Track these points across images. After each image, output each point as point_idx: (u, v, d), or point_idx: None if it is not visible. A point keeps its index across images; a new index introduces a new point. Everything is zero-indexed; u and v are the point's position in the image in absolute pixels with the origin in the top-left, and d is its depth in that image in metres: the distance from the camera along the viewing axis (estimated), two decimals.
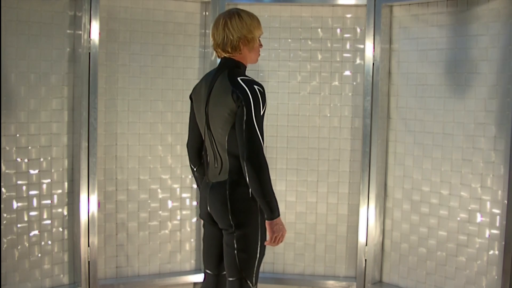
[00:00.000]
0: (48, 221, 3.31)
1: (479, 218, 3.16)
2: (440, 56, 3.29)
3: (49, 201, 3.32)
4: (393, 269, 3.57)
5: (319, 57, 3.63)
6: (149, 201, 3.60)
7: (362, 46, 3.54)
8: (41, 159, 3.28)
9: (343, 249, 3.68)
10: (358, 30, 3.58)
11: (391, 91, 3.52)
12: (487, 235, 3.13)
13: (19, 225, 3.21)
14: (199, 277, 3.64)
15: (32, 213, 3.26)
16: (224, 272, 2.57)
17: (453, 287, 3.28)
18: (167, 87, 3.59)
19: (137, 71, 3.52)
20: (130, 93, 3.51)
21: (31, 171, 3.25)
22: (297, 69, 3.65)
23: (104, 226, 3.49)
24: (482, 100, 3.14)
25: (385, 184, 3.57)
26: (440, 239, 3.33)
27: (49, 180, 3.31)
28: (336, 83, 3.63)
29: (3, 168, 3.14)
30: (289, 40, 3.64)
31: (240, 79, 2.36)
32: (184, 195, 3.68)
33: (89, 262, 3.36)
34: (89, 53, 3.27)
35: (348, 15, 3.58)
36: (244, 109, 2.30)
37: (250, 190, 2.38)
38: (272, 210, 2.35)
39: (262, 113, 2.34)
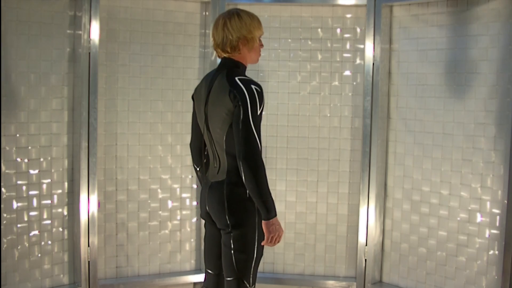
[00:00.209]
0: (48, 221, 3.31)
1: (479, 218, 3.16)
2: (440, 56, 3.29)
3: (49, 201, 3.32)
4: (393, 269, 3.57)
5: (319, 57, 3.63)
6: (149, 201, 3.60)
7: (362, 46, 3.54)
8: (41, 159, 3.28)
9: (343, 249, 3.68)
10: (358, 30, 3.58)
11: (391, 91, 3.52)
12: (487, 235, 3.13)
13: (19, 225, 3.21)
14: (199, 277, 3.64)
15: (32, 213, 3.26)
16: None
17: (453, 287, 3.28)
18: (167, 87, 3.59)
19: (137, 71, 3.52)
20: (130, 93, 3.51)
21: (31, 171, 3.25)
22: (297, 69, 3.65)
23: (104, 226, 3.49)
24: (482, 100, 3.14)
25: (385, 184, 3.57)
26: (440, 239, 3.33)
27: (49, 180, 3.31)
28: (336, 83, 3.63)
29: (3, 168, 3.14)
30: (289, 40, 3.64)
31: (238, 79, 2.36)
32: (184, 195, 3.68)
33: (89, 262, 3.36)
34: (89, 53, 3.27)
35: (348, 15, 3.58)
36: (241, 109, 2.30)
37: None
38: (269, 210, 2.34)
39: (259, 113, 2.33)
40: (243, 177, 2.31)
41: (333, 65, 3.62)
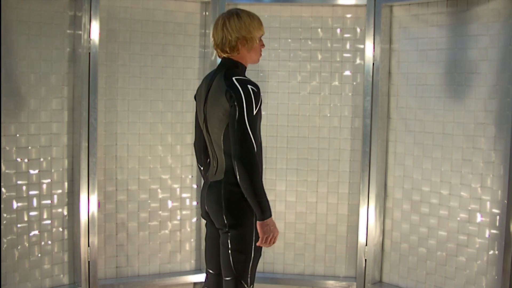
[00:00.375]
0: (48, 221, 3.31)
1: (479, 218, 3.16)
2: (440, 56, 3.29)
3: (49, 201, 3.32)
4: (393, 269, 3.57)
5: (319, 57, 3.63)
6: (149, 201, 3.60)
7: (362, 46, 3.54)
8: (41, 159, 3.28)
9: (343, 249, 3.68)
10: (358, 30, 3.58)
11: (391, 91, 3.52)
12: (487, 235, 3.13)
13: (19, 225, 3.21)
14: (199, 277, 3.64)
15: (32, 213, 3.26)
16: None
17: (453, 287, 3.28)
18: (167, 87, 3.59)
19: (137, 71, 3.52)
20: (130, 93, 3.51)
21: (31, 171, 3.25)
22: (297, 69, 3.65)
23: (104, 226, 3.49)
24: (482, 100, 3.14)
25: (385, 184, 3.57)
26: (440, 239, 3.33)
27: (49, 180, 3.31)
28: (336, 83, 3.63)
29: (3, 168, 3.15)
30: (289, 40, 3.64)
31: (235, 78, 2.36)
32: (184, 195, 3.68)
33: (89, 262, 3.36)
34: (89, 53, 3.27)
35: (348, 15, 3.58)
36: (237, 109, 2.30)
37: None
38: (263, 211, 2.34)
39: (255, 113, 2.33)
40: (238, 177, 2.32)
41: (333, 65, 3.62)
